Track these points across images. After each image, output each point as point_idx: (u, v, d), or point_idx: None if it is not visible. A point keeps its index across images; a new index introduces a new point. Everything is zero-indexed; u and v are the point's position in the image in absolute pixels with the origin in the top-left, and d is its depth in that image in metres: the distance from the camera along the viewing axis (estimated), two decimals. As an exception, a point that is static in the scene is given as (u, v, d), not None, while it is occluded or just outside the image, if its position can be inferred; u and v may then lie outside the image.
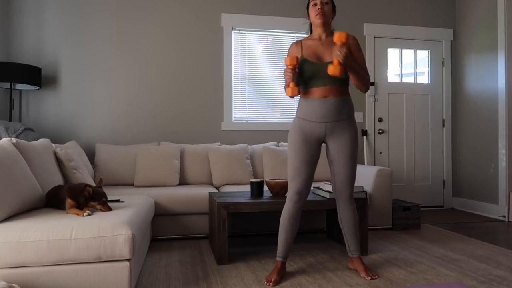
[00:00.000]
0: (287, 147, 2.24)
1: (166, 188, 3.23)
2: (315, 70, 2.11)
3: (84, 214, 1.89)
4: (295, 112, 4.23)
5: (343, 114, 2.14)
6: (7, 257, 1.61)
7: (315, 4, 2.16)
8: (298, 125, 2.17)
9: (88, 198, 1.98)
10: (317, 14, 2.13)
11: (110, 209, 2.02)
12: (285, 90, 2.15)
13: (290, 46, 2.25)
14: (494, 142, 4.06)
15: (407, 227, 3.36)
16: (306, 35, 4.26)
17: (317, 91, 2.11)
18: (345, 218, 2.24)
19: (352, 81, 2.12)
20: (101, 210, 2.01)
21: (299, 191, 2.14)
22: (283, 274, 2.16)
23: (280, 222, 2.19)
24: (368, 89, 2.17)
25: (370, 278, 2.11)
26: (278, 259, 2.19)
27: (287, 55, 2.24)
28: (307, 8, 2.25)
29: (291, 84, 2.09)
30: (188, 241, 3.03)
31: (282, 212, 2.19)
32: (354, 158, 2.18)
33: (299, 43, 2.22)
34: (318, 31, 2.21)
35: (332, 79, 2.10)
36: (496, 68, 4.04)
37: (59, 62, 3.77)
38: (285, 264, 2.24)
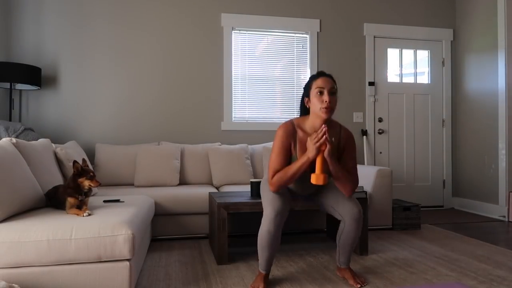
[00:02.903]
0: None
1: (166, 188, 3.23)
2: (302, 177, 2.02)
3: (84, 214, 1.89)
4: (294, 113, 4.24)
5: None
6: (7, 257, 1.61)
7: (321, 93, 1.90)
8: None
9: (76, 175, 1.99)
10: (324, 108, 1.88)
11: (99, 183, 2.01)
12: (299, 171, 1.89)
13: (282, 129, 1.97)
14: (494, 142, 4.06)
15: (407, 227, 3.36)
16: (305, 35, 4.27)
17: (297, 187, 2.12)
18: (348, 234, 2.05)
19: (335, 183, 1.97)
20: (90, 186, 2.00)
21: (281, 212, 1.91)
22: (267, 283, 2.06)
23: (260, 242, 1.96)
24: (353, 192, 1.98)
25: (359, 285, 2.02)
26: (262, 272, 2.04)
27: (277, 141, 1.97)
28: (306, 89, 1.99)
29: (319, 169, 1.86)
30: (188, 241, 3.03)
31: (261, 233, 1.94)
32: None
33: (292, 131, 1.98)
34: (316, 122, 1.96)
35: (314, 188, 2.09)
36: (496, 68, 4.04)
37: (59, 62, 3.77)
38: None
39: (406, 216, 3.35)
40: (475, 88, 4.34)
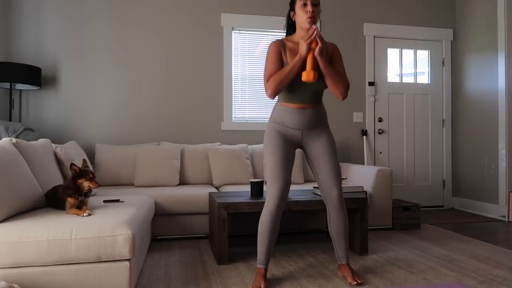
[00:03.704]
0: (264, 148, 2.12)
1: (166, 188, 3.23)
2: (295, 83, 2.03)
3: (84, 214, 1.89)
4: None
5: (318, 123, 2.13)
6: (7, 257, 1.61)
7: (305, 5, 2.02)
8: (274, 128, 2.11)
9: (75, 176, 1.99)
10: (308, 17, 2.00)
11: (98, 185, 2.01)
12: (293, 70, 1.96)
13: (272, 44, 2.08)
14: (494, 142, 4.06)
15: (407, 227, 3.36)
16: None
17: (294, 103, 2.09)
18: (335, 224, 2.14)
19: (327, 85, 2.04)
20: (89, 187, 2.00)
21: (282, 195, 2.02)
22: (267, 280, 2.09)
23: (260, 229, 2.04)
24: (346, 95, 2.07)
25: (355, 282, 2.04)
26: (261, 266, 2.07)
27: (269, 54, 2.07)
28: (292, 4, 2.10)
29: (309, 66, 1.94)
30: (188, 241, 3.03)
31: (262, 218, 2.04)
32: (334, 152, 2.13)
33: (281, 42, 2.09)
34: (302, 34, 2.07)
35: (310, 95, 2.06)
36: (496, 68, 4.04)
37: (59, 62, 3.77)
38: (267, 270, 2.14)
39: (406, 216, 3.35)
40: (475, 88, 4.34)
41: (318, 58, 1.96)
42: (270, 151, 2.08)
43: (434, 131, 4.60)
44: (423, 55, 4.64)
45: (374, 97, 4.43)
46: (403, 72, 4.57)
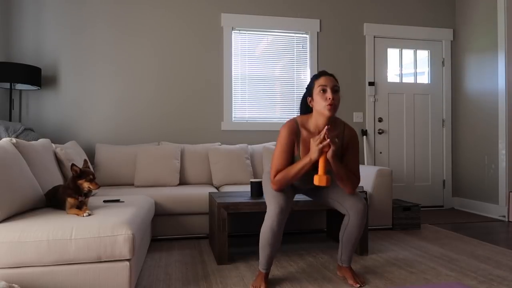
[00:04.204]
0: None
1: (166, 188, 3.23)
2: (305, 176, 2.02)
3: (84, 214, 1.89)
4: (294, 113, 4.24)
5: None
6: (7, 257, 1.61)
7: (324, 91, 1.90)
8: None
9: (76, 177, 1.99)
10: (328, 105, 1.88)
11: (98, 186, 2.01)
12: (301, 171, 1.90)
13: (286, 129, 1.97)
14: (494, 142, 4.06)
15: (407, 227, 3.36)
16: (305, 35, 4.27)
17: (303, 185, 2.11)
18: (352, 230, 2.06)
19: (335, 180, 1.98)
20: (89, 188, 2.00)
21: (284, 209, 1.92)
22: (268, 282, 2.08)
23: (262, 240, 1.97)
24: (355, 191, 2.00)
25: (358, 285, 2.03)
26: (262, 271, 2.05)
27: (280, 141, 1.98)
28: (310, 89, 1.99)
29: (322, 171, 1.85)
30: (188, 241, 3.03)
31: (263, 230, 1.95)
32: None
33: (295, 129, 1.99)
34: (319, 121, 1.97)
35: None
36: (496, 68, 4.04)
37: (59, 62, 3.77)
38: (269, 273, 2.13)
39: (406, 216, 3.35)
40: (475, 88, 4.34)
41: (331, 161, 1.87)
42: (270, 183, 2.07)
43: (434, 131, 4.60)
44: (423, 55, 4.64)
45: (374, 97, 4.43)
46: (403, 72, 4.57)
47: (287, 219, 3.18)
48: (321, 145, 1.83)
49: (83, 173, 2.00)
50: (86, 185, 1.99)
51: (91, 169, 2.28)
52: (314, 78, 1.99)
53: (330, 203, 2.15)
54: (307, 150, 1.97)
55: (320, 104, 1.91)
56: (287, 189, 2.04)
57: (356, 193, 2.07)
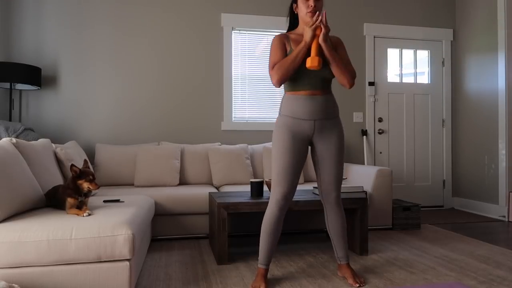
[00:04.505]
0: (272, 147, 2.06)
1: (166, 188, 3.23)
2: (301, 71, 2.01)
3: (84, 214, 1.89)
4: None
5: (330, 113, 2.05)
6: (7, 257, 1.61)
7: None
8: (284, 123, 2.02)
9: (75, 177, 1.99)
10: (309, 11, 1.99)
11: (98, 186, 2.01)
12: (298, 56, 1.94)
13: (275, 37, 2.06)
14: (494, 142, 4.06)
15: (407, 227, 3.36)
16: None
17: (303, 91, 2.03)
18: (332, 222, 2.13)
19: (334, 73, 2.01)
20: (88, 188, 2.00)
21: (287, 196, 2.00)
22: (268, 281, 2.09)
23: (264, 228, 2.03)
24: (353, 83, 2.02)
25: (358, 285, 2.03)
26: (262, 267, 2.06)
27: (273, 45, 2.05)
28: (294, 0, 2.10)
29: (314, 52, 1.91)
30: (188, 241, 3.03)
31: (266, 218, 2.03)
32: (341, 159, 2.09)
33: (284, 35, 2.08)
34: (305, 27, 2.03)
35: (318, 82, 2.01)
36: (496, 68, 4.04)
37: (59, 62, 3.77)
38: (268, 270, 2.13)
39: (406, 216, 3.35)
40: (475, 88, 4.34)
41: (323, 45, 1.94)
42: (278, 152, 2.00)
43: (434, 131, 4.60)
44: (423, 55, 4.64)
45: (374, 97, 4.43)
46: (403, 72, 4.57)
47: (287, 219, 3.18)
48: (313, 25, 1.92)
49: (82, 174, 2.00)
50: (85, 185, 1.99)
51: (91, 169, 2.27)
52: None
53: (315, 170, 2.15)
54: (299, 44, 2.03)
55: (303, 11, 2.03)
56: (297, 162, 2.00)
57: (336, 182, 2.07)
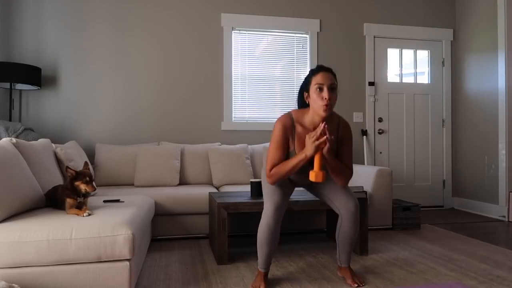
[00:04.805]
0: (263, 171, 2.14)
1: (166, 188, 3.23)
2: (301, 171, 2.00)
3: (84, 214, 1.89)
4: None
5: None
6: (7, 257, 1.61)
7: (320, 89, 1.87)
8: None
9: (72, 179, 1.98)
10: (324, 105, 1.85)
11: (94, 188, 2.00)
12: (297, 167, 1.90)
13: (280, 124, 1.95)
14: (494, 142, 4.06)
15: (407, 227, 3.36)
16: (305, 35, 4.27)
17: (299, 179, 2.11)
18: (346, 231, 2.06)
19: (330, 174, 1.98)
20: (85, 190, 1.99)
21: (280, 208, 1.94)
22: (268, 282, 2.08)
23: (259, 238, 1.99)
24: (347, 184, 2.02)
25: (356, 285, 2.03)
26: (262, 270, 2.05)
27: (275, 135, 1.96)
28: (306, 85, 1.96)
29: (317, 167, 1.85)
30: (188, 241, 3.03)
31: (260, 228, 1.98)
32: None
33: (290, 125, 1.97)
34: (315, 118, 1.95)
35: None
36: (496, 68, 4.04)
37: (59, 62, 3.77)
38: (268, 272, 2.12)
39: (406, 216, 3.35)
40: (475, 88, 4.34)
41: (327, 156, 1.87)
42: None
43: (434, 131, 4.60)
44: (423, 55, 4.64)
45: (374, 97, 4.43)
46: (403, 72, 4.57)
47: (287, 219, 3.18)
48: (317, 142, 1.81)
49: (79, 175, 1.99)
50: (82, 187, 1.99)
51: (91, 170, 2.27)
52: (311, 74, 1.96)
53: (324, 199, 2.16)
54: (302, 145, 1.96)
55: (316, 103, 1.89)
56: (284, 185, 2.06)
57: (348, 191, 2.07)
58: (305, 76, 2.02)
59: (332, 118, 2.03)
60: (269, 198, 1.98)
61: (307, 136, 1.86)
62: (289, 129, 1.97)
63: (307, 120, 1.98)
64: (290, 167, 1.90)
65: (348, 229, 2.05)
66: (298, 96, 2.08)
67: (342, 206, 2.04)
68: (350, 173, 2.01)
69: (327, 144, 1.82)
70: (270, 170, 1.97)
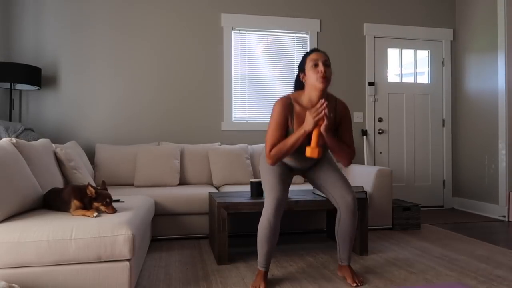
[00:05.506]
0: (261, 170, 2.17)
1: (166, 188, 3.23)
2: (299, 150, 2.04)
3: (94, 214, 1.86)
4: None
5: (321, 159, 2.19)
6: (7, 257, 1.61)
7: (316, 65, 1.94)
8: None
9: (92, 199, 1.95)
10: (320, 78, 1.92)
11: (114, 210, 1.97)
12: (296, 143, 1.94)
13: (279, 105, 2.01)
14: (494, 142, 4.06)
15: (407, 227, 3.36)
16: (305, 35, 4.27)
17: (297, 154, 2.11)
18: (345, 227, 2.09)
19: (333, 154, 2.03)
20: (105, 212, 1.97)
21: (278, 205, 1.97)
22: (267, 282, 2.10)
23: (260, 235, 2.01)
24: (350, 163, 2.05)
25: (356, 284, 2.03)
26: (261, 269, 2.06)
27: (274, 116, 2.00)
28: (301, 65, 2.03)
29: (314, 143, 1.89)
30: (188, 241, 3.03)
31: (261, 225, 2.00)
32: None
33: (289, 105, 2.02)
34: (313, 95, 2.00)
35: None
36: (496, 68, 4.04)
37: (59, 62, 3.77)
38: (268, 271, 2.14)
39: (406, 216, 3.35)
40: (475, 88, 4.34)
41: (324, 134, 1.91)
42: (267, 170, 2.11)
43: (434, 131, 4.60)
44: (423, 55, 4.64)
45: (374, 97, 4.43)
46: (403, 72, 4.57)
47: (287, 219, 3.18)
48: (316, 117, 1.86)
49: (99, 196, 1.95)
50: (102, 208, 1.96)
51: (108, 191, 2.20)
52: (305, 56, 2.03)
53: (322, 190, 2.19)
54: (301, 123, 2.01)
55: (313, 78, 1.95)
56: (283, 175, 2.08)
57: (347, 184, 2.10)
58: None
59: (329, 98, 2.09)
60: (270, 193, 2.01)
61: (307, 112, 1.91)
62: (288, 108, 2.02)
63: (304, 99, 2.04)
64: (289, 144, 1.95)
65: (347, 224, 2.08)
66: (295, 81, 2.15)
67: (340, 199, 2.07)
68: (351, 152, 2.05)
69: (325, 121, 1.87)
70: (270, 150, 2.00)
